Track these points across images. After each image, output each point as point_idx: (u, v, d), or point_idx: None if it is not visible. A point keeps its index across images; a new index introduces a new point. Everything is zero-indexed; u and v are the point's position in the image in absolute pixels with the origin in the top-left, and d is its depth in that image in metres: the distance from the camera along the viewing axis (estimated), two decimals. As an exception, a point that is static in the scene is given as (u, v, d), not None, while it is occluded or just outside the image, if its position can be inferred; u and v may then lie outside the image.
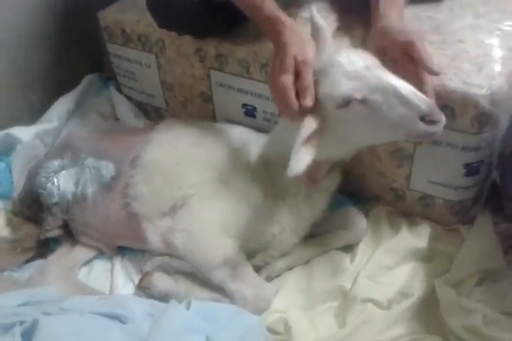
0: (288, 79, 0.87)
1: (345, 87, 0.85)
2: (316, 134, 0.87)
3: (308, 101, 0.85)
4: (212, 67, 1.25)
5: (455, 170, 1.04)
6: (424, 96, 0.83)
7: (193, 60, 1.28)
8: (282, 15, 0.96)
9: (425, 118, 0.82)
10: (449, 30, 1.10)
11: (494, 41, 1.05)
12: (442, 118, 0.83)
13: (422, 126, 0.82)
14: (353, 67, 0.86)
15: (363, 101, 0.85)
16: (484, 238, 1.06)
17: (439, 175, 1.08)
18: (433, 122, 0.82)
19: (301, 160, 0.84)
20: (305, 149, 0.85)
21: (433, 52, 1.02)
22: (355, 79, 0.85)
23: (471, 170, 1.04)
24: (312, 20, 0.98)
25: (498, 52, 1.02)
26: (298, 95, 0.87)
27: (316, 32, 0.97)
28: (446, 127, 0.98)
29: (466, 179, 1.05)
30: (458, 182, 1.06)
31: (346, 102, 0.85)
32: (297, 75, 0.88)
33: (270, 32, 0.97)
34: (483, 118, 0.96)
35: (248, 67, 1.18)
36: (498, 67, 0.99)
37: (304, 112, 0.87)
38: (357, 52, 0.90)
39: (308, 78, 0.87)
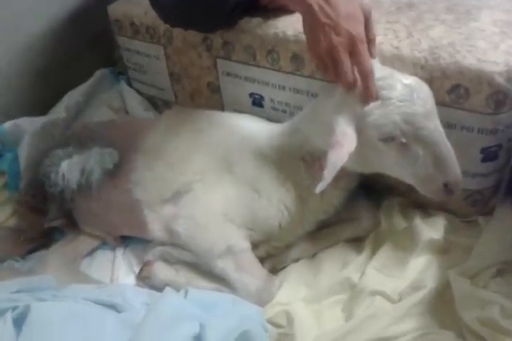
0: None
1: (397, 127, 0.83)
2: None
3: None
4: (218, 55, 1.23)
5: (471, 156, 0.98)
6: (457, 167, 0.85)
7: (200, 49, 1.26)
8: None
9: (447, 185, 0.86)
10: (463, 9, 1.05)
11: (512, 19, 1.00)
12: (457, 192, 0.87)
13: (439, 190, 0.86)
14: (412, 109, 0.83)
15: (404, 145, 0.84)
16: (505, 229, 0.98)
17: (454, 162, 1.01)
18: (450, 191, 0.86)
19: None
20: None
21: (446, 31, 0.98)
22: (409, 124, 0.83)
23: (488, 155, 0.97)
24: None
25: (516, 30, 0.96)
26: None
27: None
28: (460, 108, 0.93)
29: (483, 165, 0.99)
30: (475, 169, 0.99)
31: (390, 139, 0.85)
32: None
33: None
34: (500, 97, 0.89)
35: (254, 53, 1.15)
36: (516, 44, 0.93)
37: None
38: (420, 85, 0.87)
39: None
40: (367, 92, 0.84)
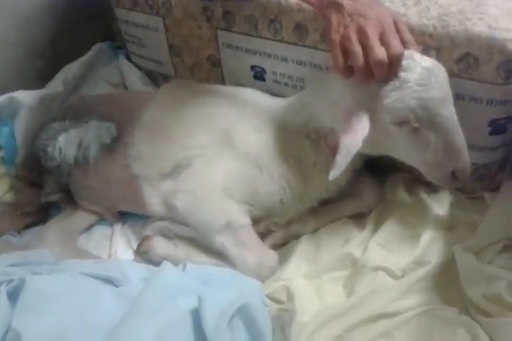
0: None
1: (412, 111, 0.80)
2: None
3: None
4: (219, 26, 1.19)
5: (479, 128, 0.94)
6: (467, 155, 0.83)
7: (200, 20, 1.22)
8: None
9: (455, 173, 0.84)
10: (474, -25, 1.00)
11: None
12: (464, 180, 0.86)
13: (446, 177, 0.85)
14: (429, 94, 0.79)
15: (416, 130, 0.81)
16: (512, 204, 0.96)
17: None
18: (457, 178, 0.85)
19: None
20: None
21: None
22: (425, 110, 0.80)
23: (497, 127, 0.93)
24: None
25: (530, -4, 0.92)
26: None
27: None
28: (469, 78, 0.90)
29: (491, 138, 0.95)
30: (483, 142, 0.96)
31: (403, 123, 0.82)
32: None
33: None
34: (511, 66, 0.86)
35: (256, 23, 1.11)
36: (529, 11, 0.89)
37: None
38: (438, 69, 0.82)
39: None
40: (391, 72, 0.79)
